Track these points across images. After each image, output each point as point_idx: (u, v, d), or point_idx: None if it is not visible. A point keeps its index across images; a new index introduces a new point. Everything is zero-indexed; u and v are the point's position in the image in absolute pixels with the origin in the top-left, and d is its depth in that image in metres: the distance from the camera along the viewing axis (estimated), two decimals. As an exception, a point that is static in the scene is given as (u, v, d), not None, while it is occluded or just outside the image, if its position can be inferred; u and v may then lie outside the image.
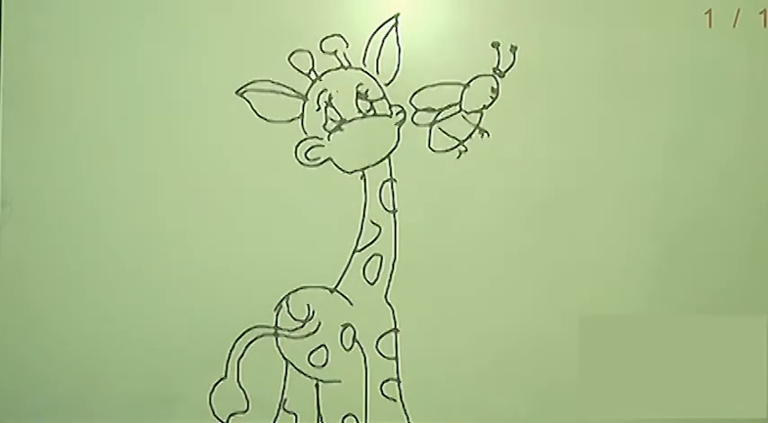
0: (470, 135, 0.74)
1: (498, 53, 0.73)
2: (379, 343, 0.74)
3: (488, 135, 0.74)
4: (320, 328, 0.74)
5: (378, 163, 0.74)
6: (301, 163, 0.73)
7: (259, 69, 0.73)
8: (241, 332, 0.74)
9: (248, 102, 0.73)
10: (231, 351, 0.74)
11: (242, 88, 0.73)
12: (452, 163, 0.74)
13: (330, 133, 0.73)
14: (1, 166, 0.73)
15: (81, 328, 0.74)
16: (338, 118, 0.73)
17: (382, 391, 0.75)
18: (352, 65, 0.73)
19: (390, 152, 0.74)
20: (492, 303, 0.75)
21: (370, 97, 0.73)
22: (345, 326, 0.74)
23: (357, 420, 0.74)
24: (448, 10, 0.74)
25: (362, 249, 0.74)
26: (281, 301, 0.74)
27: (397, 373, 0.75)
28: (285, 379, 0.74)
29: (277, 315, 0.74)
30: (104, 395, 0.74)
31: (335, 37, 0.73)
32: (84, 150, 0.73)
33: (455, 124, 0.74)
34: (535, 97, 0.74)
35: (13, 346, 0.74)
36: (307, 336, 0.74)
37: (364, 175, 0.74)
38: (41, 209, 0.73)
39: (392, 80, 0.73)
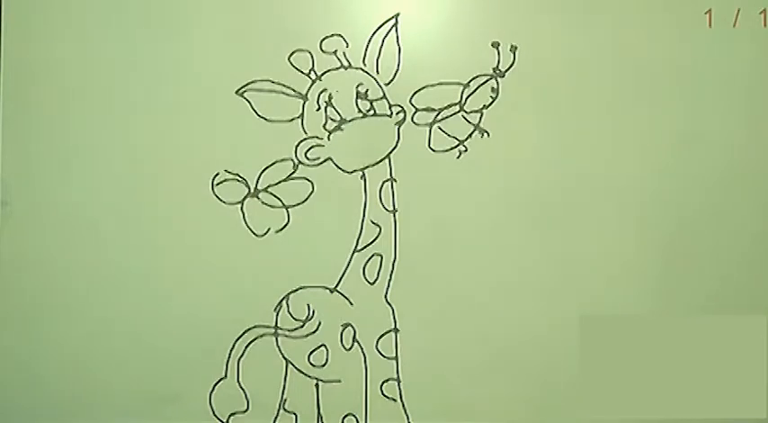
0: (470, 135, 0.74)
1: (498, 53, 0.73)
2: (379, 343, 0.74)
3: (488, 135, 0.74)
4: (320, 327, 0.74)
5: (378, 163, 0.74)
6: (301, 163, 0.73)
7: (259, 69, 0.73)
8: (241, 332, 0.74)
9: (248, 102, 0.73)
10: (231, 351, 0.74)
11: (242, 88, 0.73)
12: (452, 163, 0.74)
13: (330, 133, 0.73)
14: (1, 166, 0.73)
15: (80, 327, 0.74)
16: (338, 118, 0.73)
17: (382, 391, 0.75)
18: (352, 65, 0.73)
19: (390, 152, 0.74)
20: (492, 303, 0.75)
21: (370, 97, 0.73)
22: (345, 326, 0.74)
23: (357, 420, 0.74)
24: (448, 10, 0.74)
25: (362, 249, 0.74)
26: (281, 300, 0.74)
27: (397, 372, 0.75)
28: (285, 379, 0.74)
29: (277, 315, 0.74)
30: (104, 395, 0.74)
31: (335, 37, 0.73)
32: (84, 150, 0.73)
33: (455, 124, 0.74)
34: (535, 97, 0.74)
35: (13, 346, 0.74)
36: (307, 336, 0.74)
37: (364, 174, 0.74)
38: (41, 209, 0.73)
39: (392, 80, 0.73)
